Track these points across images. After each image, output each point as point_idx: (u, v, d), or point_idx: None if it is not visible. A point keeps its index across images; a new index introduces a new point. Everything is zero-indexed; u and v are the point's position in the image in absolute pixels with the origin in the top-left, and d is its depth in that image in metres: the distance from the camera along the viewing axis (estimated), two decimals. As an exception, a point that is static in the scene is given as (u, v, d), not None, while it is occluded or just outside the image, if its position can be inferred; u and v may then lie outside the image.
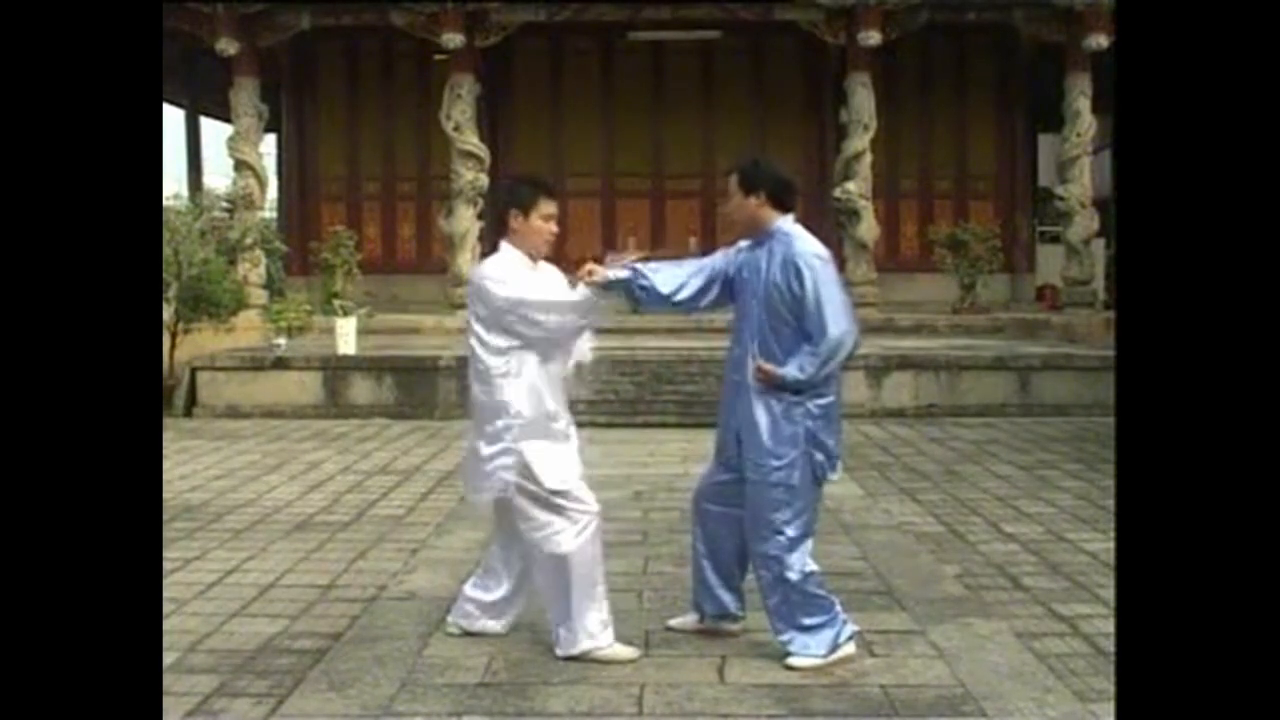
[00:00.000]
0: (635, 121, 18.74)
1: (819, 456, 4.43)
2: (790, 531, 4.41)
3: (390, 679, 4.28)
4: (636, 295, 4.55)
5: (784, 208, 4.53)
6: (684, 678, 4.29)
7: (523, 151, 18.32)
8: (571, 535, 4.42)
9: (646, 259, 4.61)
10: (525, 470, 4.40)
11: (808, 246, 4.45)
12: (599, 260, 4.54)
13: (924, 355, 12.60)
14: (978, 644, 4.66)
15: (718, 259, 4.68)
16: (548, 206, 4.52)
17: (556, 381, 4.54)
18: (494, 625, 4.72)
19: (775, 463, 4.40)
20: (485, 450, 4.45)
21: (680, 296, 4.57)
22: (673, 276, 4.58)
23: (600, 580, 4.49)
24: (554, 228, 4.56)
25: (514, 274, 4.45)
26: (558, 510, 4.43)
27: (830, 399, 4.47)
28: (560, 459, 4.47)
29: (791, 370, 4.37)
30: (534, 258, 4.56)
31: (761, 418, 4.43)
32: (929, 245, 17.35)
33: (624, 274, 4.50)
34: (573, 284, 4.46)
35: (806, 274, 4.37)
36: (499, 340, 4.41)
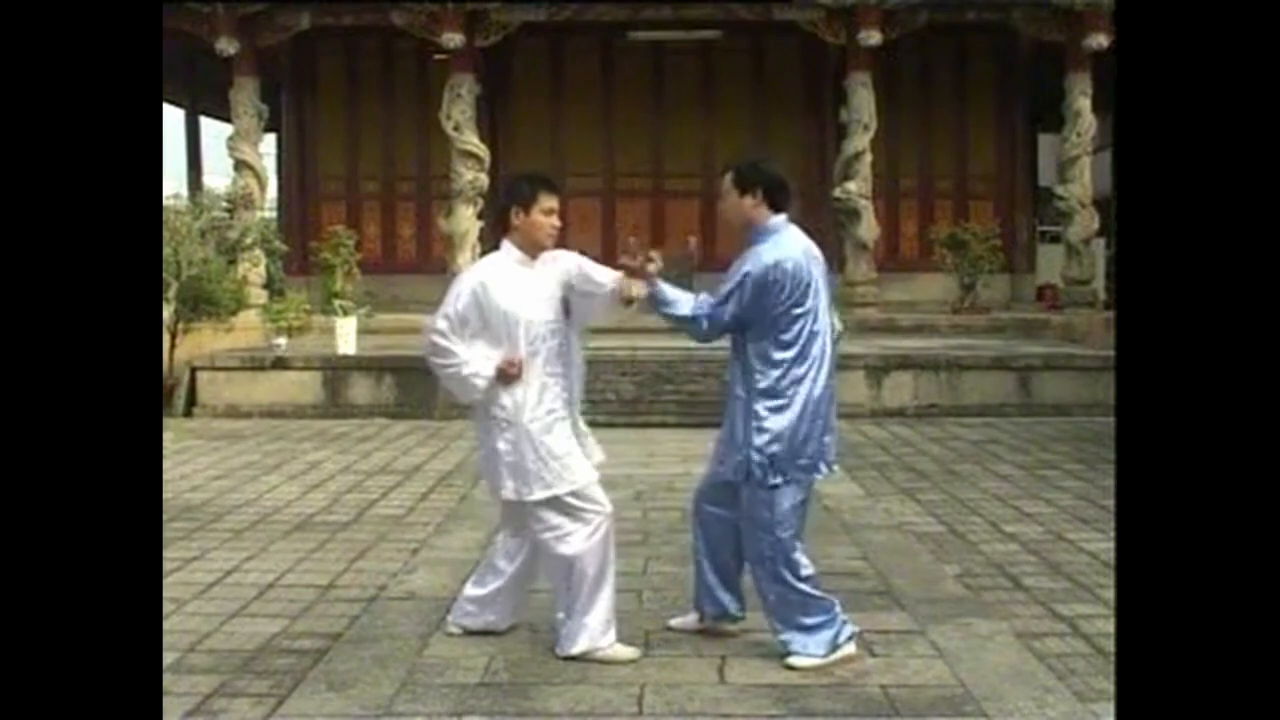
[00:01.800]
0: (635, 121, 18.74)
1: (756, 458, 4.38)
2: (779, 531, 4.41)
3: (390, 679, 4.28)
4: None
5: (778, 208, 4.53)
6: (684, 678, 4.29)
7: (523, 151, 18.30)
8: (583, 536, 4.42)
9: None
10: (536, 474, 4.40)
11: (771, 249, 4.40)
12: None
13: (924, 355, 12.60)
14: (978, 644, 4.66)
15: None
16: (548, 201, 4.50)
17: (563, 380, 4.54)
18: (492, 619, 4.71)
19: (749, 461, 4.41)
20: (498, 449, 4.45)
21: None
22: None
23: (609, 581, 4.48)
24: (556, 221, 4.54)
25: (496, 278, 4.49)
26: (569, 511, 4.43)
27: (782, 402, 4.37)
28: (573, 458, 4.47)
29: (675, 295, 4.45)
30: (535, 254, 4.55)
31: (738, 417, 4.45)
32: (929, 245, 17.35)
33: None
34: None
35: (744, 262, 4.39)
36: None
